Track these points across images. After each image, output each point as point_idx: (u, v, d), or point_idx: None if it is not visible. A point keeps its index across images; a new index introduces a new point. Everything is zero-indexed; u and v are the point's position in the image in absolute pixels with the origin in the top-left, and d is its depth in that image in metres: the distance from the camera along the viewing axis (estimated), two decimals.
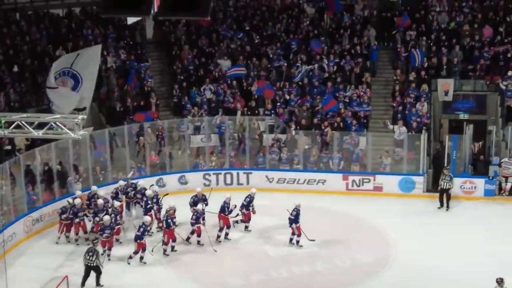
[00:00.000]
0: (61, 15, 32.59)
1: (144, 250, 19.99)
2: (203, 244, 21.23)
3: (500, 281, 16.49)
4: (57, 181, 23.80)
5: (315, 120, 27.73)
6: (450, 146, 25.49)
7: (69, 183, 24.20)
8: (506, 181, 24.99)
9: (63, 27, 31.04)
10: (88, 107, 25.73)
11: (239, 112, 28.33)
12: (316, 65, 29.87)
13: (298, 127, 27.53)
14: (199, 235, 21.26)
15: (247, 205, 22.16)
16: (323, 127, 27.20)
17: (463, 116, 28.57)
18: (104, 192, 22.74)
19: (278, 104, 28.65)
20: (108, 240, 20.28)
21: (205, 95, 29.25)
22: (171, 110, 29.88)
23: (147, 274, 19.71)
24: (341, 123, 27.37)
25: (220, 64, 30.54)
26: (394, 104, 28.06)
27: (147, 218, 20.60)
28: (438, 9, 31.63)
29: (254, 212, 22.23)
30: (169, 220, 20.56)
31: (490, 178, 25.07)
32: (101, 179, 25.18)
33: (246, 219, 22.32)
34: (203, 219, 21.19)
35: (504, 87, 27.63)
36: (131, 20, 30.75)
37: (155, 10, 10.37)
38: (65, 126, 15.30)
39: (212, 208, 21.78)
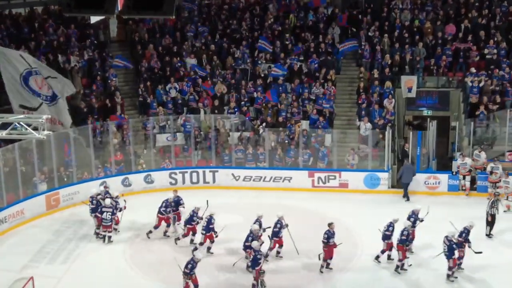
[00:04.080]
0: (23, 14, 32.21)
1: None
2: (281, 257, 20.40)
3: None
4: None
5: (280, 118, 27.83)
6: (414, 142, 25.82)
7: (34, 183, 23.96)
8: (464, 179, 25.33)
9: (25, 26, 30.69)
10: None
11: (202, 111, 28.30)
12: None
13: (263, 125, 27.60)
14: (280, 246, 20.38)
15: (278, 231, 20.17)
16: (290, 124, 27.33)
17: (426, 112, 28.93)
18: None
19: (243, 102, 28.68)
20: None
21: (170, 94, 29.16)
22: (136, 109, 29.73)
23: None
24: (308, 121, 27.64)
25: (186, 63, 30.45)
26: (360, 101, 28.27)
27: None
28: (401, 7, 31.87)
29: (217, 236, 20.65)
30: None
31: (454, 173, 25.40)
32: (65, 179, 25.01)
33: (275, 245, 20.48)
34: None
35: (471, 84, 27.93)
36: (94, 19, 30.55)
37: (119, 8, 10.33)
38: (29, 126, 15.17)
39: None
